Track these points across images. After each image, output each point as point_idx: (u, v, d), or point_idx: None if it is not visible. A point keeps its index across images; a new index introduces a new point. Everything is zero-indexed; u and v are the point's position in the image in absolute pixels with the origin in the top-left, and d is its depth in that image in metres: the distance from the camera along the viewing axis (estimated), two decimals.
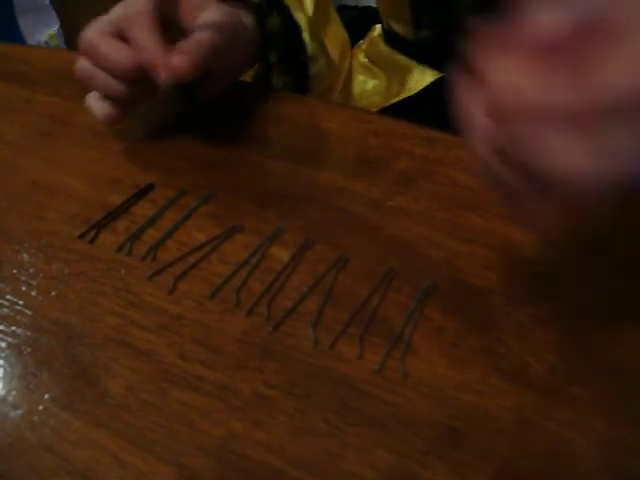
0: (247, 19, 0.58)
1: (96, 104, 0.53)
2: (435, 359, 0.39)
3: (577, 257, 0.43)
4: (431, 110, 0.68)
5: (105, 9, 0.51)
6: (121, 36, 0.50)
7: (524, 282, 0.42)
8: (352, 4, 0.91)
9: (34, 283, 0.45)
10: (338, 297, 0.43)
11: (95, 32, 0.50)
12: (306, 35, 0.62)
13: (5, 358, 0.41)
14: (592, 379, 0.38)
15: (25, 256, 0.47)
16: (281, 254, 0.45)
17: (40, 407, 0.39)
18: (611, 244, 0.44)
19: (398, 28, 0.73)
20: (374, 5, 0.82)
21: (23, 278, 0.46)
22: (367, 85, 0.78)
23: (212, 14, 0.53)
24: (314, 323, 0.41)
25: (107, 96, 0.52)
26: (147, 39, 0.48)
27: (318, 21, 0.64)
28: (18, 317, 0.43)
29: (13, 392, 0.40)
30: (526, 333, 0.40)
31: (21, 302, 0.44)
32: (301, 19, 0.61)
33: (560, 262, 0.43)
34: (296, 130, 0.56)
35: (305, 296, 0.43)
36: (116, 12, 0.50)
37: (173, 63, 0.47)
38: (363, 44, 0.81)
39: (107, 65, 0.49)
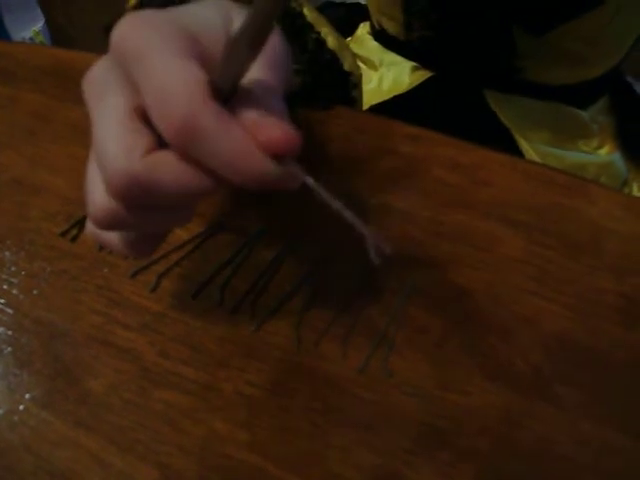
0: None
1: (121, 242, 0.34)
2: (419, 358, 0.39)
3: (563, 257, 0.43)
4: (421, 108, 0.68)
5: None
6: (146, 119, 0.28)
7: (509, 281, 0.42)
8: (339, 1, 0.90)
9: (15, 281, 0.45)
10: (322, 296, 0.42)
11: (132, 161, 0.27)
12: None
13: None
14: (577, 379, 0.38)
15: (6, 254, 0.47)
16: (265, 253, 0.45)
17: (21, 407, 0.39)
18: (598, 245, 0.43)
19: (390, 27, 0.73)
20: (362, 2, 0.82)
21: (4, 276, 0.45)
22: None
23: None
24: (298, 322, 0.41)
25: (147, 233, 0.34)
26: (231, 138, 0.26)
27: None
28: None
29: None
30: (511, 332, 0.40)
31: (2, 300, 0.44)
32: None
33: (545, 261, 0.43)
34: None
35: (289, 295, 0.42)
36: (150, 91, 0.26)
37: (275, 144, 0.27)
38: (350, 42, 0.81)
39: (169, 201, 0.29)
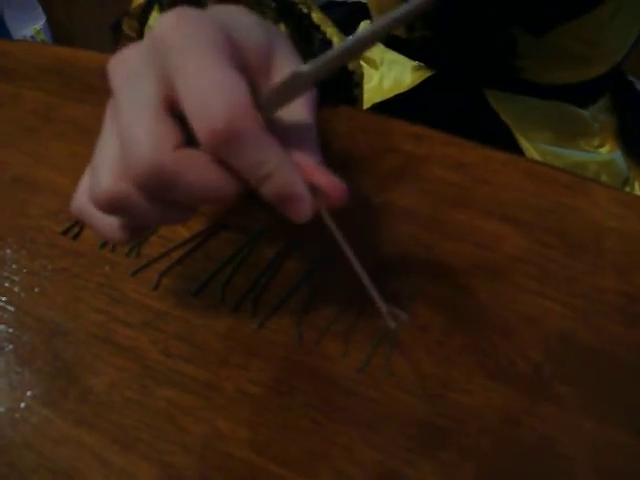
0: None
1: (109, 226, 0.33)
2: (420, 357, 0.39)
3: (564, 256, 0.43)
4: (421, 107, 0.68)
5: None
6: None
7: (511, 280, 0.42)
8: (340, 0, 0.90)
9: (17, 279, 0.45)
10: (323, 294, 0.42)
11: (163, 151, 0.27)
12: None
13: None
14: (578, 377, 0.38)
15: (8, 252, 0.47)
16: (267, 251, 0.45)
17: (22, 404, 0.39)
18: (600, 244, 0.43)
19: None
20: (363, 0, 0.82)
21: (6, 274, 0.45)
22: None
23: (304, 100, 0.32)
24: (299, 320, 0.41)
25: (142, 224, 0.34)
26: (273, 154, 0.27)
27: None
28: (0, 314, 0.43)
29: None
30: (512, 331, 0.40)
31: (3, 299, 0.44)
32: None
33: (547, 260, 0.43)
34: None
35: (291, 293, 0.42)
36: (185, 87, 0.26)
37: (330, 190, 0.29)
38: None
39: (186, 199, 0.29)
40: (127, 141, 0.27)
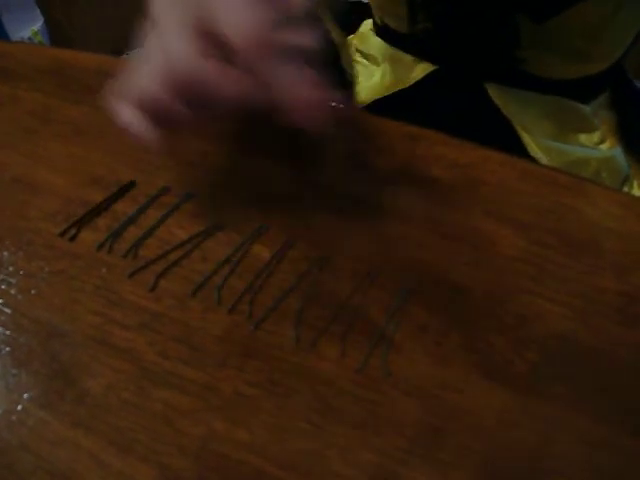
0: None
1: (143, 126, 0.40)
2: (418, 357, 0.39)
3: (563, 256, 0.43)
4: (423, 103, 0.68)
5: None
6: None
7: (508, 280, 0.42)
8: None
9: (14, 281, 0.45)
10: (320, 295, 0.42)
11: (192, 55, 0.36)
12: None
13: None
14: (575, 377, 0.38)
15: (5, 254, 0.46)
16: (263, 252, 0.45)
17: (19, 407, 0.39)
18: (598, 245, 0.43)
19: (392, 23, 0.72)
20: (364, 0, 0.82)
21: (2, 276, 0.45)
22: (359, 79, 0.77)
23: None
24: (296, 321, 0.41)
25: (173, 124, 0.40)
26: (290, 65, 0.37)
27: None
28: None
29: None
30: (509, 331, 0.40)
31: (0, 300, 0.44)
32: None
33: (545, 261, 0.43)
34: (278, 127, 0.55)
35: (287, 294, 0.42)
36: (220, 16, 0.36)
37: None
38: (354, 38, 0.81)
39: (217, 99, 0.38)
40: (170, 53, 0.36)
